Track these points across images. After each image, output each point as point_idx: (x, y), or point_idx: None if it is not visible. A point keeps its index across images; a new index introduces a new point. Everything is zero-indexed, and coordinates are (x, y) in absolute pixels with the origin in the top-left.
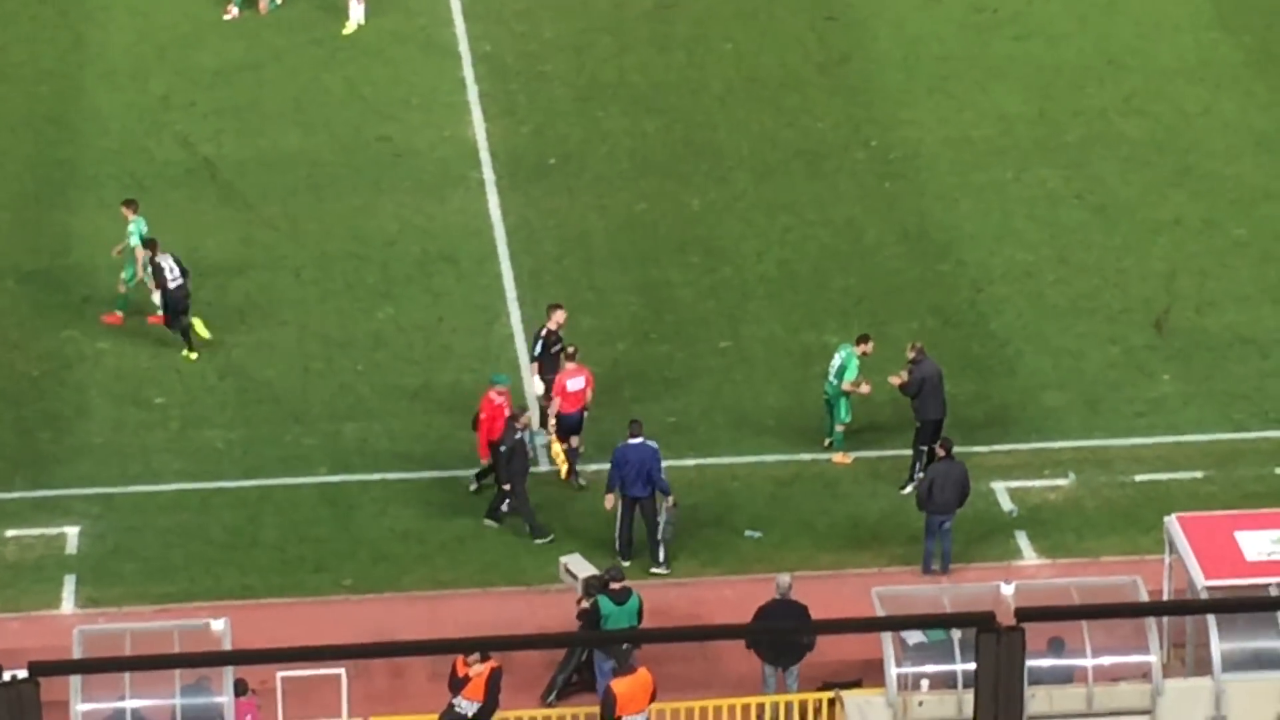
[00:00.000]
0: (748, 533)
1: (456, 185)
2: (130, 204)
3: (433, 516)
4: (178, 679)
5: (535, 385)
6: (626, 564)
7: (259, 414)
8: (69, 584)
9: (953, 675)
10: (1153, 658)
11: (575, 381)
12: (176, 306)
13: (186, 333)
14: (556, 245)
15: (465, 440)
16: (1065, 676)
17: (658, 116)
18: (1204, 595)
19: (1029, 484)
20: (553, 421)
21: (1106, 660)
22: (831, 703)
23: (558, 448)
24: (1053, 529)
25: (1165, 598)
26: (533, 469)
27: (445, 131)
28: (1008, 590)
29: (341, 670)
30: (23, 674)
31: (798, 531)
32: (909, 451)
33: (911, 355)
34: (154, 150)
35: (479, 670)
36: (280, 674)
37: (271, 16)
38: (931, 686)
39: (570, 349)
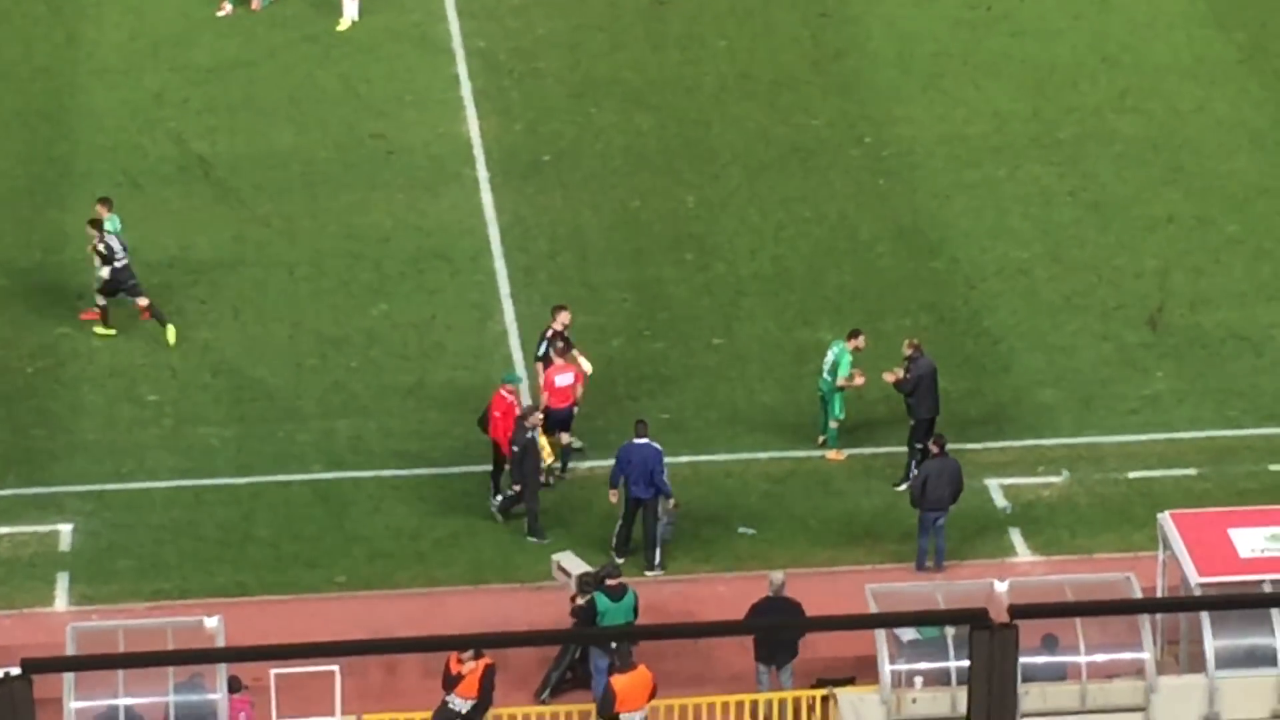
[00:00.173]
0: (741, 529)
1: (450, 182)
2: (105, 201)
3: (426, 514)
4: (171, 676)
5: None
6: (621, 561)
7: (252, 411)
8: (62, 581)
9: (946, 672)
10: (1146, 655)
11: (564, 377)
12: (119, 285)
13: (106, 312)
14: (550, 242)
15: (459, 437)
16: (1059, 673)
17: (651, 113)
18: (1198, 592)
19: (1023, 481)
20: (540, 415)
21: (1100, 657)
22: (825, 700)
23: (542, 440)
24: (1046, 526)
25: (1159, 595)
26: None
27: (439, 128)
28: (1001, 587)
29: (335, 667)
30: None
31: (792, 528)
32: (902, 449)
33: (909, 352)
34: (147, 147)
35: (472, 667)
36: (273, 671)
37: (265, 13)
38: (925, 683)
39: (560, 344)
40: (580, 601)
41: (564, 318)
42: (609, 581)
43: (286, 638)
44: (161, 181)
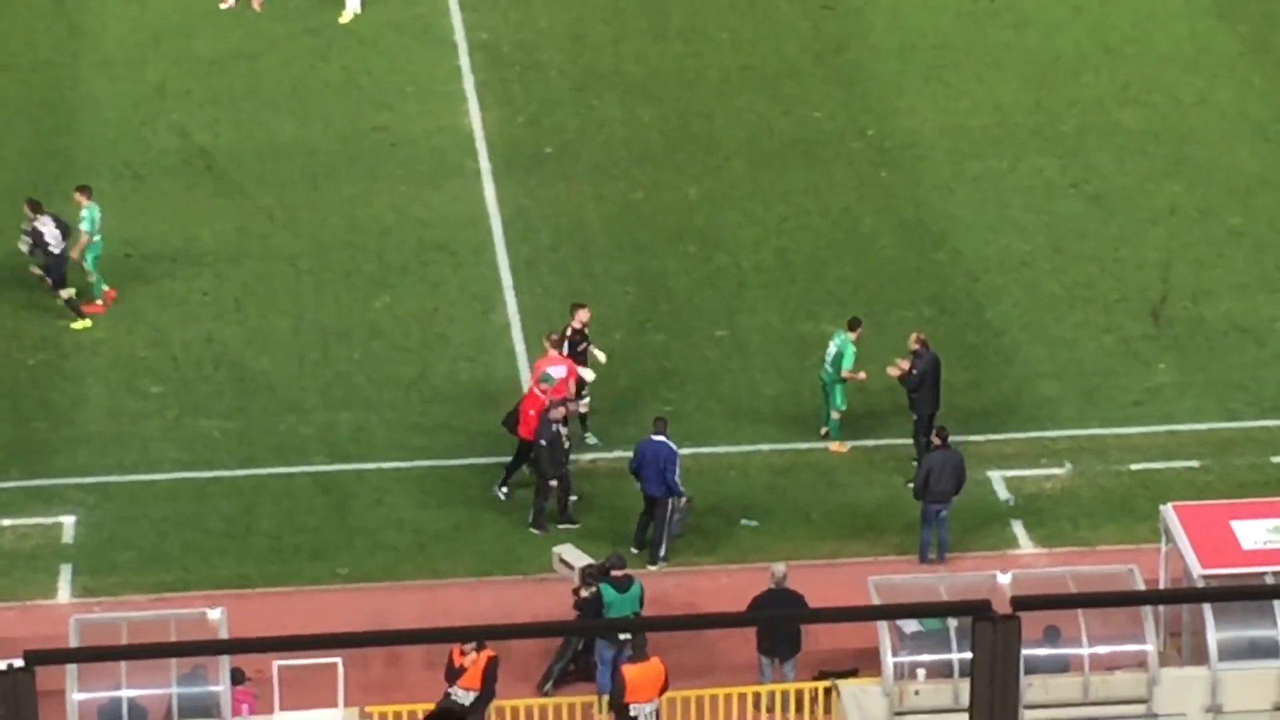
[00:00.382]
0: (744, 522)
1: (453, 174)
2: (84, 190)
3: (428, 506)
4: (174, 668)
5: (585, 371)
6: (636, 553)
7: (255, 403)
8: (65, 573)
9: (949, 664)
10: (1149, 647)
11: (556, 370)
12: (58, 271)
13: (73, 303)
14: (553, 234)
15: (461, 429)
16: (1061, 665)
17: (654, 105)
18: (1200, 584)
19: (1025, 473)
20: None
21: (1102, 649)
22: (828, 692)
23: None
24: (1049, 518)
25: (1161, 587)
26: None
27: (441, 121)
28: (1004, 579)
29: (338, 659)
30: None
31: (794, 521)
32: (904, 441)
33: (915, 347)
34: (150, 139)
35: (475, 659)
36: (276, 663)
37: (268, 6)
38: (928, 675)
39: (554, 336)
40: (584, 594)
41: (583, 315)
42: (614, 573)
43: (289, 630)
44: (164, 173)
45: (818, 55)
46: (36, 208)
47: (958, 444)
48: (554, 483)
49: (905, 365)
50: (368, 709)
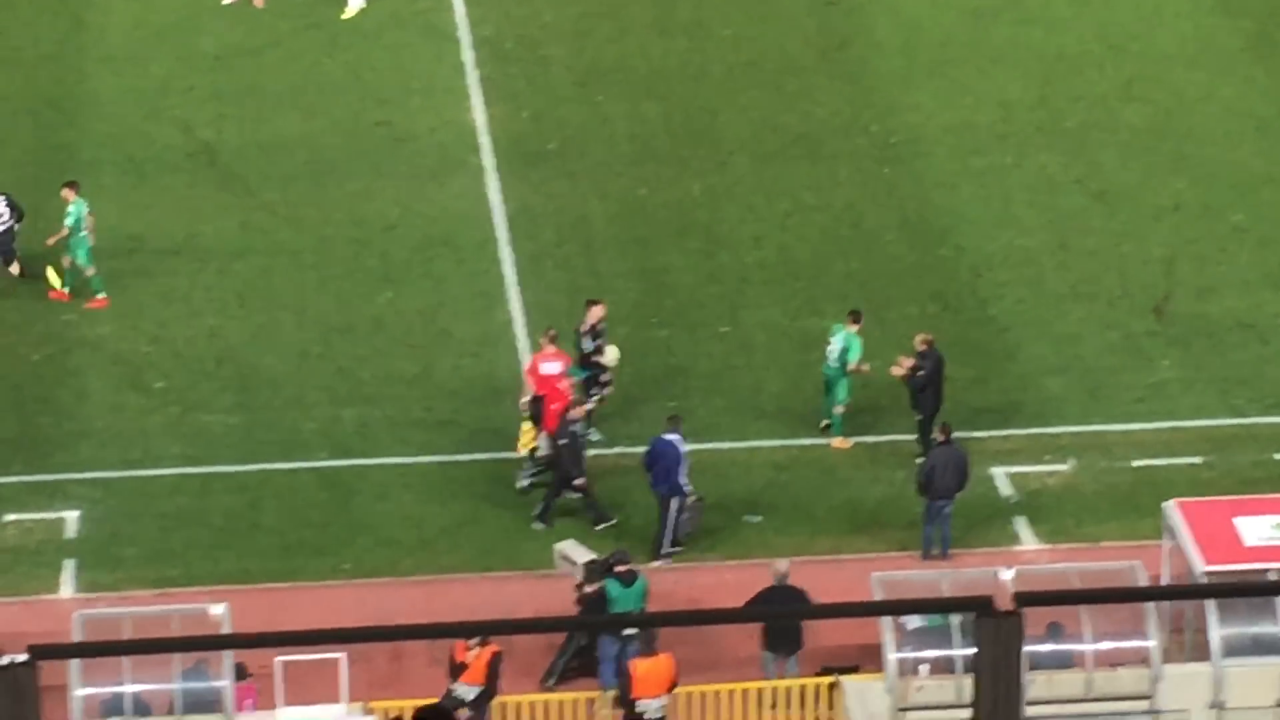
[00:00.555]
0: (747, 517)
1: (456, 170)
2: (71, 185)
3: (432, 501)
4: (177, 663)
5: (608, 358)
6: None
7: (258, 399)
8: (68, 568)
9: (952, 660)
10: (1152, 643)
11: (551, 365)
12: (5, 249)
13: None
14: (556, 230)
15: (465, 425)
16: (1064, 661)
17: (658, 101)
18: (1203, 580)
19: (1028, 469)
20: (526, 400)
21: (1105, 645)
22: (831, 688)
23: (526, 425)
24: (1052, 514)
25: (1164, 583)
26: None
27: (445, 116)
28: (1007, 575)
29: (341, 655)
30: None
31: (797, 516)
32: (908, 436)
33: (922, 348)
34: (153, 134)
35: (478, 655)
36: (280, 658)
37: (271, 1)
38: (931, 671)
39: (552, 332)
40: (587, 589)
41: (597, 312)
42: (618, 568)
43: (292, 625)
44: (167, 169)
45: (821, 51)
46: None
47: (961, 440)
48: (580, 480)
49: (907, 364)
50: (371, 704)
